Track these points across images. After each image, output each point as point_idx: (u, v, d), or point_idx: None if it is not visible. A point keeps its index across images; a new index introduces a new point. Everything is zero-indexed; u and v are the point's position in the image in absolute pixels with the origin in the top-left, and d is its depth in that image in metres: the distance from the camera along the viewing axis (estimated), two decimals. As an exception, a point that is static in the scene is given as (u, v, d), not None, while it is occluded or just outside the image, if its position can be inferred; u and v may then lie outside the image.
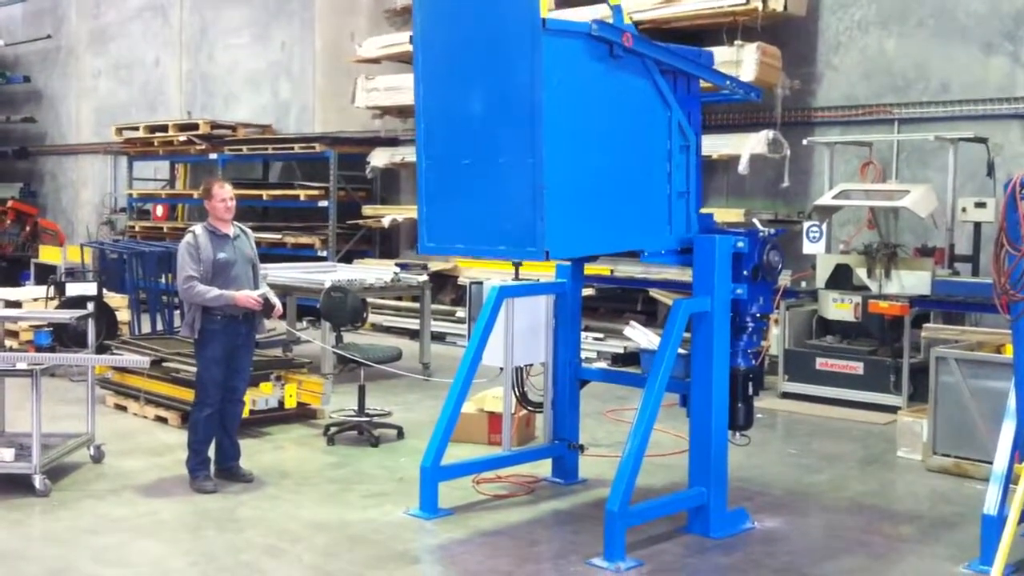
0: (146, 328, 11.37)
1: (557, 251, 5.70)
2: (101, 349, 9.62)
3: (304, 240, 15.29)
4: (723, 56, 11.03)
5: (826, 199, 10.22)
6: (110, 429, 8.20)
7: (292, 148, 15.82)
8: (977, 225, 9.85)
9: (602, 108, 5.75)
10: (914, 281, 9.47)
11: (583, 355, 7.20)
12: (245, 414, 7.66)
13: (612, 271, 11.37)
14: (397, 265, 12.32)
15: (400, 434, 8.32)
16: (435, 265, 13.15)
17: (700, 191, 6.34)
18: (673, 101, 6.06)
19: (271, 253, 14.73)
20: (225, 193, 6.94)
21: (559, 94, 5.46)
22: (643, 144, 6.01)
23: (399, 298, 13.62)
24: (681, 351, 6.01)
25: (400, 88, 14.44)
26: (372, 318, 13.83)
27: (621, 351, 11.39)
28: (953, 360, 7.46)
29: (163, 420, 8.71)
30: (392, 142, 15.48)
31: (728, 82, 6.57)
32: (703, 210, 6.53)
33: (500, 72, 5.63)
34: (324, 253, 14.93)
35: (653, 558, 5.63)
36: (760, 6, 10.93)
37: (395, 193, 15.87)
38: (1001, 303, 5.36)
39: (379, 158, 14.95)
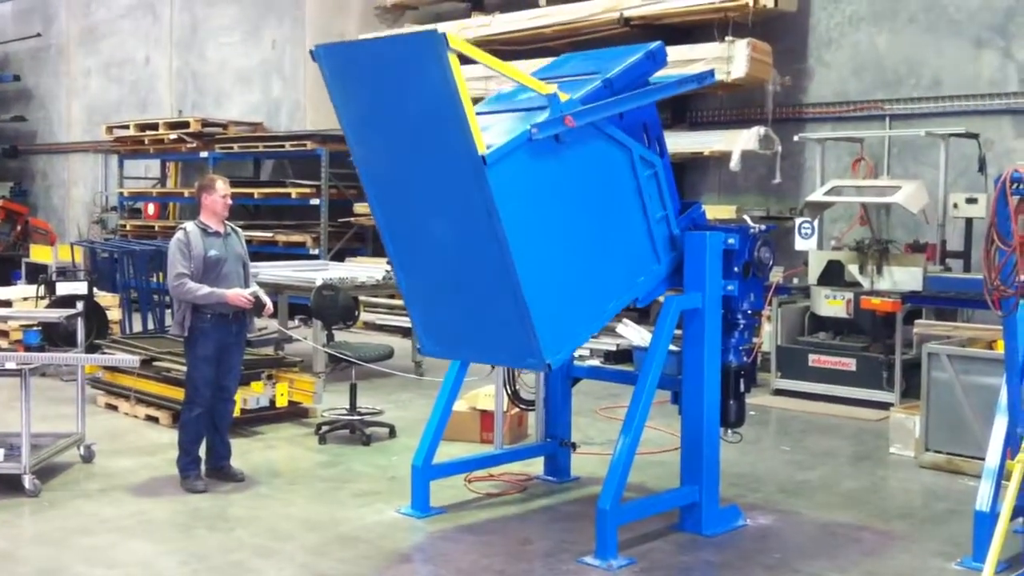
0: (137, 327, 11.32)
1: (557, 358, 5.61)
2: (92, 348, 9.59)
3: (296, 238, 15.26)
4: (714, 52, 11.06)
5: (818, 195, 10.22)
6: (101, 429, 8.17)
7: (283, 146, 15.78)
8: (968, 221, 9.86)
9: (563, 193, 5.52)
10: (906, 277, 9.47)
11: (575, 352, 7.17)
12: (236, 413, 7.63)
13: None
14: (389, 263, 12.29)
15: (392, 432, 8.30)
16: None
17: (674, 187, 6.14)
18: (629, 140, 5.80)
19: (262, 251, 14.72)
20: (227, 189, 6.95)
21: (518, 210, 5.23)
22: (611, 197, 5.79)
23: (391, 296, 13.57)
24: (673, 348, 5.99)
25: (391, 86, 14.41)
26: (364, 316, 13.81)
27: (613, 348, 11.44)
28: (945, 356, 7.46)
29: (154, 419, 8.68)
30: (384, 140, 15.42)
31: (680, 87, 6.19)
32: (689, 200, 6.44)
33: (452, 200, 5.43)
34: (316, 251, 14.91)
35: (645, 556, 5.62)
36: (751, 2, 10.91)
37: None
38: (992, 299, 5.34)
39: (371, 156, 14.89)
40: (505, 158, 5.16)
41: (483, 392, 8.03)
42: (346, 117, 5.82)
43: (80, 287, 11.29)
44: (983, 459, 5.74)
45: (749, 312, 6.25)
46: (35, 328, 10.26)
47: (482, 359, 6.61)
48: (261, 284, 7.78)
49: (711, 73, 6.42)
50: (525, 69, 12.16)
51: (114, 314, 11.76)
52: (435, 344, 6.21)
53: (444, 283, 5.92)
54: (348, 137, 5.89)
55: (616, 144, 5.75)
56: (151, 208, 18.89)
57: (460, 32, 13.61)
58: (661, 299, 6.29)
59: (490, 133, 5.37)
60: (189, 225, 6.87)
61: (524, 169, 5.28)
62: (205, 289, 6.68)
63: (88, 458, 7.43)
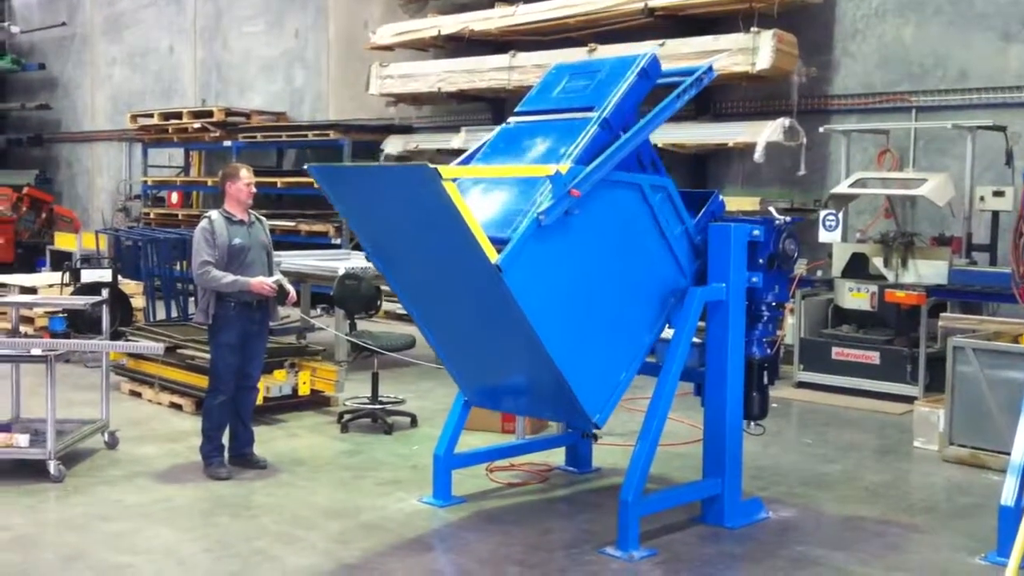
0: (161, 315, 11.39)
1: (603, 415, 5.64)
2: (116, 335, 9.64)
3: (318, 227, 15.29)
4: (739, 43, 10.99)
5: (842, 187, 10.16)
6: (124, 415, 8.23)
7: (306, 135, 15.82)
8: (995, 214, 9.78)
9: (580, 256, 5.42)
10: (931, 270, 9.41)
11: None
12: (259, 401, 7.67)
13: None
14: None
15: (414, 422, 8.32)
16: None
17: (680, 202, 5.95)
18: (636, 176, 5.68)
19: (285, 240, 14.75)
20: (251, 177, 6.97)
21: (539, 296, 5.17)
22: (629, 235, 5.67)
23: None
24: (696, 340, 5.97)
25: (414, 75, 14.44)
26: (386, 306, 13.80)
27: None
28: (970, 350, 7.40)
29: (177, 407, 8.73)
30: (406, 130, 15.46)
31: (679, 101, 5.93)
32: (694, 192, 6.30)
33: (471, 292, 5.42)
34: (338, 240, 14.92)
35: (666, 548, 5.61)
36: (776, -8, 10.84)
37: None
38: (1019, 292, 5.33)
39: (393, 145, 14.92)
40: (518, 257, 5.05)
41: (505, 382, 8.02)
42: (349, 218, 5.90)
43: (104, 275, 11.36)
44: (1008, 454, 5.69)
45: (773, 304, 6.22)
46: (60, 315, 10.31)
47: (527, 414, 6.86)
48: (284, 273, 7.80)
49: (710, 70, 6.16)
50: (547, 60, 12.16)
51: (138, 302, 11.83)
52: (477, 396, 6.31)
53: (477, 353, 6.01)
54: (354, 230, 5.93)
55: (626, 186, 5.62)
56: (175, 196, 18.99)
57: (483, 23, 13.61)
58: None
59: (494, 219, 5.34)
60: (214, 214, 6.90)
61: (538, 255, 5.17)
62: (229, 277, 6.71)
63: (112, 444, 7.48)
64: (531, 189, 5.42)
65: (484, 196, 5.63)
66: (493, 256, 4.98)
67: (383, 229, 5.75)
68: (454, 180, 5.06)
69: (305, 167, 5.72)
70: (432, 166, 4.91)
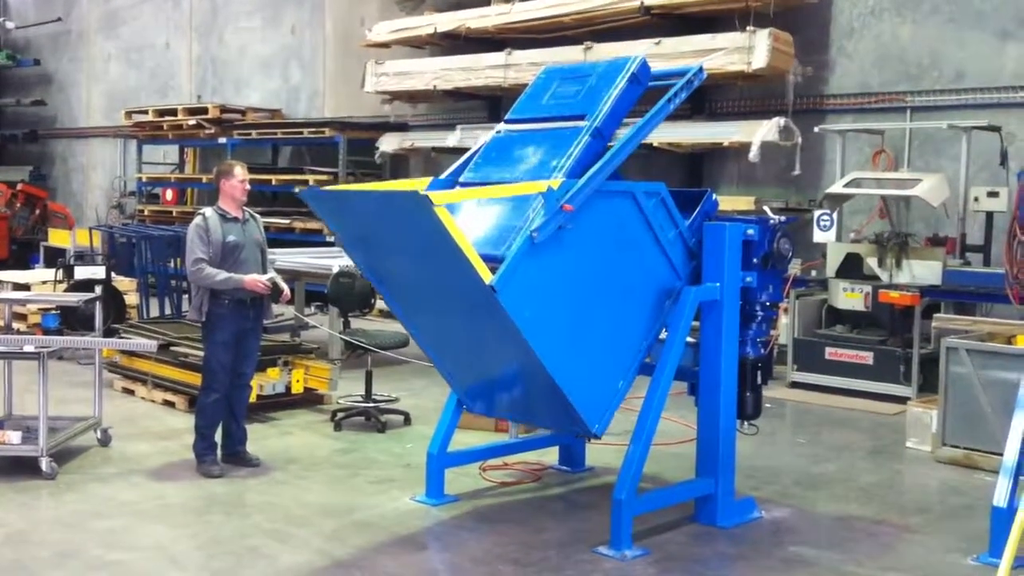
0: (155, 312, 11.37)
1: (603, 424, 5.66)
2: (109, 333, 9.62)
3: (313, 225, 15.24)
4: (735, 42, 10.97)
5: (837, 187, 10.16)
6: (117, 413, 8.21)
7: (301, 133, 15.79)
8: (989, 215, 9.77)
9: (575, 269, 5.41)
10: (925, 271, 9.42)
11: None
12: (252, 399, 7.66)
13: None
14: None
15: (407, 420, 8.32)
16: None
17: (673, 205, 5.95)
18: (629, 185, 5.69)
19: (280, 238, 14.72)
20: (246, 174, 6.97)
21: (534, 311, 5.17)
22: (623, 243, 5.65)
23: (408, 284, 13.55)
24: (690, 340, 5.97)
25: (410, 73, 14.42)
26: (380, 304, 13.79)
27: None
28: (964, 350, 7.41)
29: (171, 404, 8.72)
30: (401, 127, 15.45)
31: (671, 104, 5.89)
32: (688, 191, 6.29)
33: (466, 308, 5.42)
34: (332, 238, 14.89)
35: (660, 547, 5.61)
36: (772, -8, 10.84)
37: (404, 179, 15.81)
38: (1013, 293, 5.33)
39: (388, 143, 14.91)
40: (512, 276, 5.06)
41: (499, 381, 8.02)
42: (344, 237, 5.91)
43: (98, 271, 11.34)
44: (1000, 454, 5.71)
45: (767, 304, 6.22)
46: (53, 312, 10.31)
47: (526, 422, 6.89)
48: (278, 271, 7.79)
49: (700, 71, 6.10)
50: (543, 58, 12.14)
51: (132, 299, 11.80)
52: (475, 402, 6.32)
53: (474, 366, 6.02)
54: (347, 248, 5.95)
55: (619, 195, 5.61)
56: (169, 193, 18.95)
57: (480, 20, 13.60)
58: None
59: (488, 236, 5.35)
60: (208, 211, 6.89)
61: (532, 273, 5.16)
62: (223, 274, 6.70)
63: (105, 442, 7.47)
64: (524, 204, 5.42)
65: (477, 212, 5.64)
66: (487, 277, 4.99)
67: (377, 249, 5.77)
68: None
69: (296, 192, 5.78)
70: (424, 193, 4.93)
